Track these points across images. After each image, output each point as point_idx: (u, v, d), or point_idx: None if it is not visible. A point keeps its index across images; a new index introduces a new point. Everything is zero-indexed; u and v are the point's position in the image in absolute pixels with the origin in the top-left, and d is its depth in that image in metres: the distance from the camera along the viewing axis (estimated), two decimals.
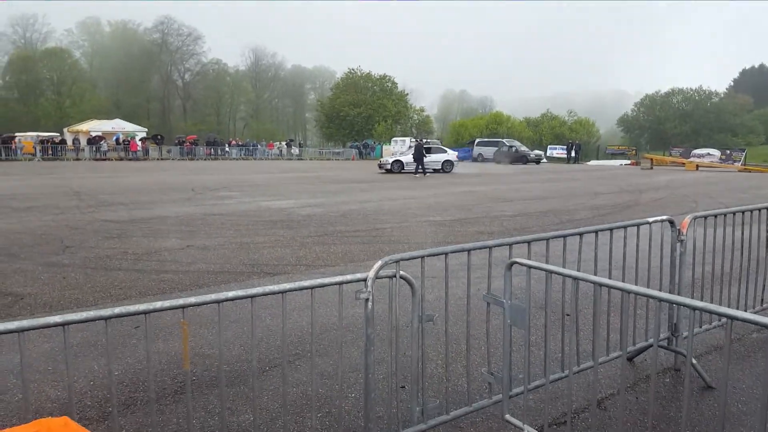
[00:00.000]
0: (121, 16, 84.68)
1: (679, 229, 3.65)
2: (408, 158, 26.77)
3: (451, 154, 29.27)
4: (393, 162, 27.50)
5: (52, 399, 3.21)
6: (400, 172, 26.57)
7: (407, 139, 51.83)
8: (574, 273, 2.63)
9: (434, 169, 26.95)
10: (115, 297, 5.28)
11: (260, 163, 40.39)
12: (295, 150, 51.80)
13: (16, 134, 42.35)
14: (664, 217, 3.80)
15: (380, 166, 28.23)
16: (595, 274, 2.88)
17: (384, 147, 53.18)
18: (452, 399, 2.99)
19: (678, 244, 3.65)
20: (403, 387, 2.99)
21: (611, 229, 3.63)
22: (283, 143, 54.56)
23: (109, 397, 3.20)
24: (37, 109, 69.53)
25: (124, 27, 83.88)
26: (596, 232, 3.48)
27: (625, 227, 3.66)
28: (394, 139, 53.34)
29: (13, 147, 37.65)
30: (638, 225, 3.74)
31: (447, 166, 27.86)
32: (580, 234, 3.37)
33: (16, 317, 4.64)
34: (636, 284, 3.11)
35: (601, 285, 2.51)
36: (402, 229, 9.41)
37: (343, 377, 2.86)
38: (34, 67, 70.93)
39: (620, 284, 2.47)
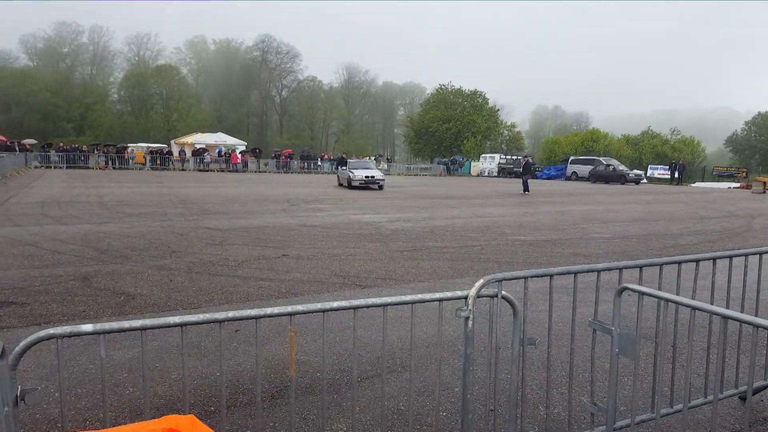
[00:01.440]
0: (225, 35, 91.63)
1: None
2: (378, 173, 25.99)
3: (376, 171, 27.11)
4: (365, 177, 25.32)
5: (159, 395, 3.43)
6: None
7: (497, 155, 51.01)
8: (693, 302, 2.42)
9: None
10: (218, 301, 5.60)
11: None
12: (384, 165, 52.71)
13: (129, 145, 46.96)
14: None
15: (346, 182, 26.09)
16: (712, 304, 2.65)
17: (472, 163, 52.76)
18: (551, 427, 2.85)
19: None
20: (497, 410, 2.90)
21: (730, 257, 3.33)
22: (373, 158, 55.79)
23: (211, 396, 3.41)
24: (147, 121, 76.45)
25: (228, 45, 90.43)
26: (714, 259, 3.21)
27: (746, 255, 3.36)
28: (483, 155, 52.71)
29: (126, 157, 41.59)
30: (761, 254, 3.42)
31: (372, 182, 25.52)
32: (696, 261, 3.13)
33: (127, 315, 5.05)
34: (757, 317, 2.82)
35: (725, 317, 2.29)
36: (491, 248, 9.22)
37: (436, 395, 2.82)
38: (146, 83, 77.90)
39: (749, 318, 2.23)
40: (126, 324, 1.94)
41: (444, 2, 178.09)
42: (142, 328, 1.96)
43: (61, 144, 44.15)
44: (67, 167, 37.72)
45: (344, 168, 27.32)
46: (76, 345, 4.16)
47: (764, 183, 32.69)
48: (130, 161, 41.41)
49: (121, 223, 11.13)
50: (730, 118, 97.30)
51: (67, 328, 1.81)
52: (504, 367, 3.04)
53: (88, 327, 1.84)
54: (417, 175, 49.77)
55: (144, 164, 40.99)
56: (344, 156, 29.57)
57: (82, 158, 40.18)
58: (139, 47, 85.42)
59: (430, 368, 3.90)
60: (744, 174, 44.45)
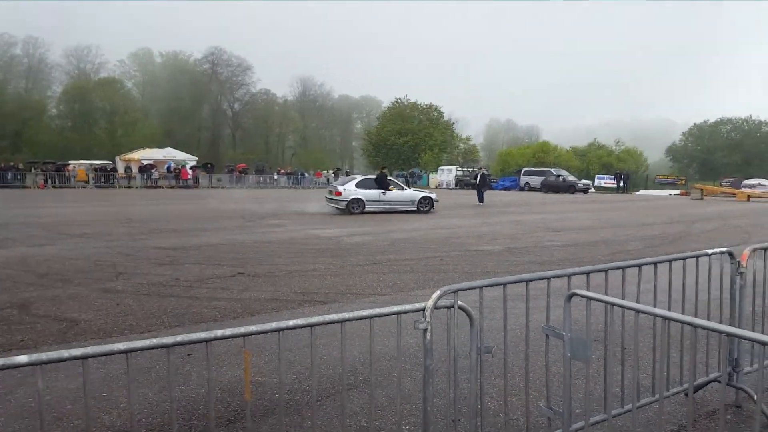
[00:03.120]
0: (173, 47, 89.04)
1: (738, 261, 3.50)
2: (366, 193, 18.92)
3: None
4: (351, 201, 18.36)
5: (107, 425, 3.25)
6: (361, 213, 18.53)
7: (453, 168, 51.91)
8: (637, 306, 2.53)
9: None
10: (168, 324, 5.40)
11: (308, 191, 41.20)
12: (342, 178, 52.64)
13: (70, 162, 44.77)
14: (724, 249, 3.65)
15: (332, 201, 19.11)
16: (654, 307, 2.77)
17: (431, 176, 53.45)
18: None
19: (737, 277, 3.51)
20: (458, 420, 2.91)
21: (670, 261, 3.50)
22: (331, 172, 55.62)
23: (163, 424, 3.28)
24: (90, 137, 72.66)
25: (175, 57, 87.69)
26: (655, 264, 3.37)
27: (684, 259, 3.54)
28: (441, 168, 53.54)
29: (67, 174, 39.59)
30: (697, 257, 3.62)
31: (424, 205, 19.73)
32: (639, 266, 3.27)
33: (71, 343, 4.78)
34: (696, 318, 2.97)
35: (666, 318, 2.40)
36: (451, 258, 9.33)
37: (398, 408, 2.81)
38: (88, 97, 74.01)
39: (688, 318, 2.35)
40: (66, 353, 1.83)
41: (398, 17, 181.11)
42: (84, 357, 1.86)
43: None
44: (1, 187, 35.54)
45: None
46: (13, 377, 3.90)
47: (702, 190, 34.70)
48: (72, 179, 39.52)
49: (62, 245, 10.60)
50: (669, 128, 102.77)
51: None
52: (464, 376, 3.07)
53: (23, 358, 1.73)
54: None
55: (87, 182, 39.21)
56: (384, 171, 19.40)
57: (19, 177, 37.92)
58: (79, 60, 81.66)
59: (391, 381, 3.88)
60: (683, 182, 47.09)
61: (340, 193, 18.49)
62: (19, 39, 76.21)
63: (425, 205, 19.69)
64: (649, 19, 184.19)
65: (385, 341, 4.68)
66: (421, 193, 20.40)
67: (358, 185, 19.10)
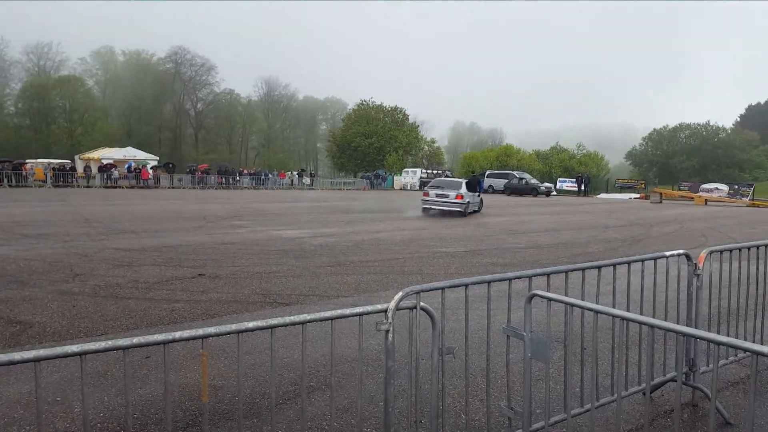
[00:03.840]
0: (135, 46, 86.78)
1: (695, 264, 3.63)
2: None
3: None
4: (467, 203, 19.49)
5: (61, 431, 3.15)
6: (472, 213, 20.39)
7: (418, 170, 52.25)
8: (596, 306, 2.59)
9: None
10: (126, 326, 5.25)
11: (272, 192, 40.69)
12: (307, 180, 52.25)
13: (27, 161, 43.08)
14: (681, 252, 3.79)
15: (426, 208, 20.05)
16: (614, 307, 2.85)
17: (395, 178, 53.66)
18: None
19: (694, 278, 3.63)
20: (420, 422, 2.92)
21: (629, 263, 3.60)
22: (295, 173, 55.12)
23: (119, 429, 3.17)
24: (48, 136, 70.67)
25: (138, 56, 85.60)
26: (614, 265, 3.46)
27: (642, 261, 3.65)
28: (405, 169, 53.81)
29: (24, 173, 38.16)
30: (655, 259, 3.74)
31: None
32: (599, 267, 3.36)
33: (23, 346, 4.60)
34: (653, 318, 3.08)
35: (624, 319, 2.48)
36: (415, 260, 9.37)
37: (359, 410, 2.79)
38: (47, 95, 71.87)
39: (645, 318, 2.43)
40: (17, 355, 1.75)
41: (365, 19, 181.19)
42: (36, 359, 1.78)
43: None
44: None
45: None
46: None
47: (660, 194, 36.02)
48: (29, 178, 38.01)
49: (17, 246, 10.14)
50: (630, 133, 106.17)
51: None
52: (425, 377, 3.08)
53: None
54: (341, 189, 49.77)
55: (45, 181, 37.78)
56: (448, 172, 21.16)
57: None
58: (39, 57, 78.88)
59: (352, 383, 3.86)
60: (643, 185, 48.69)
61: (461, 197, 19.35)
62: None
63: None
64: (613, 25, 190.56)
65: (347, 343, 4.65)
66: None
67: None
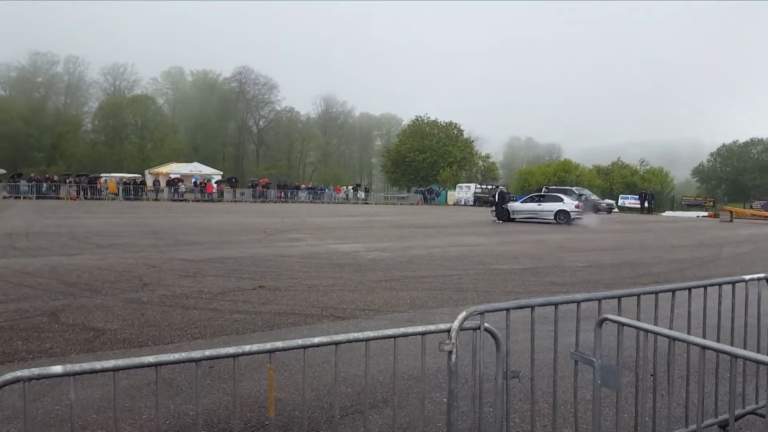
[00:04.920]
0: (203, 66, 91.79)
1: None
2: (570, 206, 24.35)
3: (569, 203, 25.06)
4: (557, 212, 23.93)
5: None
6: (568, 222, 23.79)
7: (472, 185, 51.76)
8: (672, 333, 2.45)
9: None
10: (191, 335, 5.43)
11: (328, 206, 41.46)
12: (361, 194, 52.89)
13: (102, 175, 46.18)
14: (762, 275, 3.53)
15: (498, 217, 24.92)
16: (689, 333, 2.69)
17: (449, 193, 53.37)
18: None
19: None
20: None
21: (705, 286, 3.40)
22: (350, 187, 55.94)
23: None
24: (121, 151, 75.70)
25: (205, 76, 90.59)
26: (689, 288, 3.27)
27: (720, 285, 3.43)
28: (459, 184, 53.43)
29: (99, 187, 40.81)
30: (733, 282, 3.50)
31: (562, 217, 24.16)
32: (673, 291, 3.18)
33: (97, 352, 4.84)
34: (733, 346, 2.87)
35: (705, 348, 2.32)
36: (470, 277, 9.24)
37: (420, 431, 2.76)
38: (121, 113, 77.41)
39: (729, 348, 2.27)
40: (98, 365, 1.85)
41: (422, 36, 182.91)
42: (115, 369, 1.88)
43: (32, 174, 43.11)
44: (37, 197, 36.73)
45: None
46: (41, 384, 3.95)
47: (731, 212, 33.87)
48: (103, 191, 40.62)
49: (91, 255, 10.82)
50: (697, 149, 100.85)
51: (35, 371, 1.73)
52: (487, 400, 3.01)
53: (57, 368, 1.76)
54: (394, 204, 50.03)
55: (117, 194, 40.25)
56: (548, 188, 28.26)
57: (53, 188, 39.26)
58: (115, 77, 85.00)
59: (412, 402, 3.82)
60: (711, 203, 45.98)
61: (579, 206, 24.30)
62: (61, 58, 80.00)
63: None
64: (678, 37, 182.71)
65: (404, 360, 4.62)
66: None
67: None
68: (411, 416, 3.61)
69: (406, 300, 7.28)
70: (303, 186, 53.04)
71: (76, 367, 1.78)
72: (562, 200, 25.04)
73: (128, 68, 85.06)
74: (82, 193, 39.07)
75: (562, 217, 23.89)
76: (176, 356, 1.96)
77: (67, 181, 41.32)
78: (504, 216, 25.23)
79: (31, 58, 78.19)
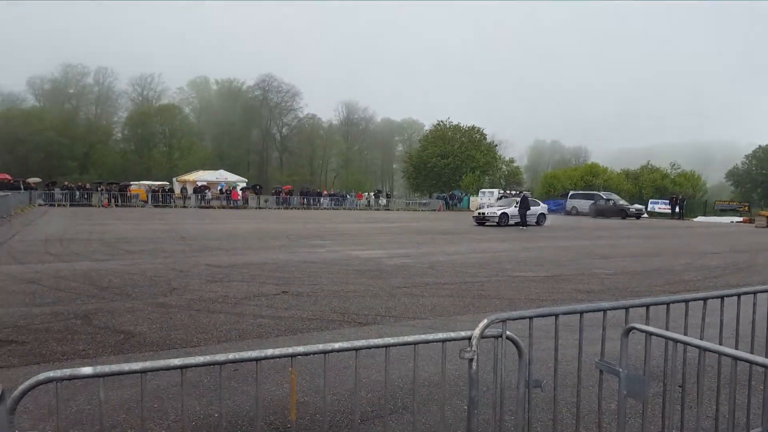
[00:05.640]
0: (227, 75, 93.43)
1: None
2: (513, 210, 25.73)
3: (543, 207, 28.52)
4: (501, 215, 25.65)
5: None
6: (506, 225, 25.40)
7: (495, 190, 51.29)
8: (703, 343, 2.39)
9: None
10: (217, 339, 5.53)
11: (350, 212, 41.62)
12: (383, 200, 52.95)
13: (132, 183, 47.39)
14: None
15: (480, 219, 26.57)
16: (720, 344, 2.62)
17: (471, 198, 52.96)
18: None
19: None
20: None
21: (738, 295, 3.30)
22: (372, 194, 56.07)
23: None
24: (149, 159, 77.45)
25: (230, 85, 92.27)
26: (722, 297, 3.18)
27: (754, 293, 3.32)
28: (482, 190, 52.97)
29: (129, 194, 41.86)
30: (767, 291, 3.39)
31: (541, 219, 27.20)
32: (705, 299, 3.10)
33: (126, 354, 4.98)
34: (766, 357, 2.77)
35: (735, 358, 2.26)
36: (492, 284, 9.16)
37: None
38: (149, 122, 79.19)
39: (760, 359, 2.20)
40: (126, 367, 1.91)
41: (443, 41, 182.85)
42: (143, 371, 1.93)
43: (66, 182, 44.53)
44: (70, 205, 37.91)
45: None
46: (74, 384, 4.07)
47: (767, 217, 32.76)
48: (134, 199, 41.63)
49: (122, 260, 11.10)
50: (731, 151, 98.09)
51: (66, 371, 1.79)
52: (508, 408, 2.97)
53: (87, 370, 1.81)
54: (416, 210, 49.88)
55: (146, 201, 41.19)
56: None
57: (86, 196, 40.45)
58: (143, 87, 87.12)
59: (432, 409, 3.81)
60: (746, 208, 44.46)
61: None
62: (91, 69, 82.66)
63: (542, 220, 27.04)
64: (708, 38, 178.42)
65: (425, 367, 4.61)
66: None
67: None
68: (431, 423, 3.60)
69: (428, 306, 7.26)
70: (325, 192, 53.40)
71: (106, 368, 1.83)
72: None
73: (155, 78, 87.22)
74: (113, 200, 40.10)
75: (504, 219, 25.54)
76: (201, 359, 2.00)
77: (99, 189, 42.53)
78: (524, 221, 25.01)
79: (64, 70, 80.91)
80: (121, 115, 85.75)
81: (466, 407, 2.45)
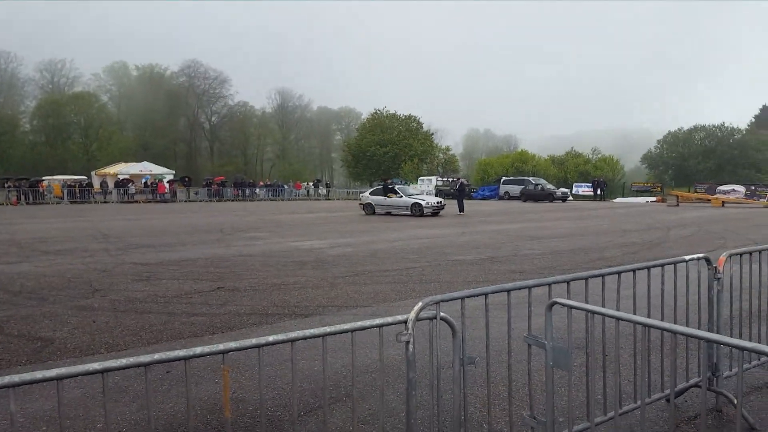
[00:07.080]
0: (148, 60, 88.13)
1: (715, 267, 3.58)
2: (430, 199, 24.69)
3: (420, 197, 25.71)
4: (412, 205, 23.63)
5: None
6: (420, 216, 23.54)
7: (433, 178, 52.17)
8: (617, 313, 2.56)
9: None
10: (146, 341, 5.29)
11: (288, 203, 40.96)
12: (323, 190, 52.52)
13: (44, 178, 43.94)
14: (701, 255, 3.73)
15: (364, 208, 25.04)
16: (635, 313, 2.81)
17: (411, 185, 53.60)
18: None
19: (714, 282, 3.58)
20: None
21: (648, 268, 3.55)
22: (311, 183, 55.45)
23: None
24: (64, 152, 71.87)
25: (151, 71, 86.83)
26: (634, 270, 3.42)
27: (662, 265, 3.59)
28: (421, 178, 53.74)
29: (42, 190, 38.91)
30: (675, 263, 3.68)
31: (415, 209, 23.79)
32: (618, 273, 3.32)
33: (45, 362, 4.66)
34: (675, 323, 3.02)
35: (646, 326, 2.43)
36: (432, 269, 9.34)
37: (380, 422, 2.79)
38: (62, 112, 73.17)
39: (668, 325, 2.38)
40: (39, 374, 1.77)
41: (377, 30, 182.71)
42: (58, 378, 1.80)
43: None
44: None
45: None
46: None
47: (677, 196, 35.49)
48: (47, 195, 38.73)
49: (36, 262, 10.33)
50: (647, 138, 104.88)
51: None
52: (446, 387, 3.06)
53: None
54: (357, 199, 49.89)
55: (62, 197, 38.47)
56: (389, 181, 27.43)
57: None
58: (53, 74, 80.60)
59: (375, 395, 3.85)
60: (659, 188, 48.00)
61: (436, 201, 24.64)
62: None
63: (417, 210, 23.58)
64: (628, 29, 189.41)
65: (367, 353, 4.64)
66: (412, 200, 24.03)
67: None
68: (373, 408, 3.64)
69: (370, 294, 7.31)
70: (261, 183, 52.23)
71: (15, 378, 1.70)
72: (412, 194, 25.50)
73: (67, 64, 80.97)
74: (23, 197, 37.14)
75: (417, 209, 23.48)
76: (124, 362, 1.90)
77: (6, 185, 39.07)
78: (461, 207, 25.54)
79: None
80: (29, 104, 79.06)
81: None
